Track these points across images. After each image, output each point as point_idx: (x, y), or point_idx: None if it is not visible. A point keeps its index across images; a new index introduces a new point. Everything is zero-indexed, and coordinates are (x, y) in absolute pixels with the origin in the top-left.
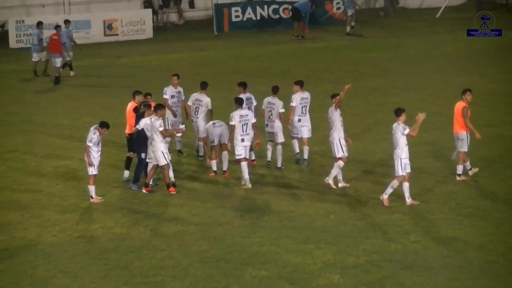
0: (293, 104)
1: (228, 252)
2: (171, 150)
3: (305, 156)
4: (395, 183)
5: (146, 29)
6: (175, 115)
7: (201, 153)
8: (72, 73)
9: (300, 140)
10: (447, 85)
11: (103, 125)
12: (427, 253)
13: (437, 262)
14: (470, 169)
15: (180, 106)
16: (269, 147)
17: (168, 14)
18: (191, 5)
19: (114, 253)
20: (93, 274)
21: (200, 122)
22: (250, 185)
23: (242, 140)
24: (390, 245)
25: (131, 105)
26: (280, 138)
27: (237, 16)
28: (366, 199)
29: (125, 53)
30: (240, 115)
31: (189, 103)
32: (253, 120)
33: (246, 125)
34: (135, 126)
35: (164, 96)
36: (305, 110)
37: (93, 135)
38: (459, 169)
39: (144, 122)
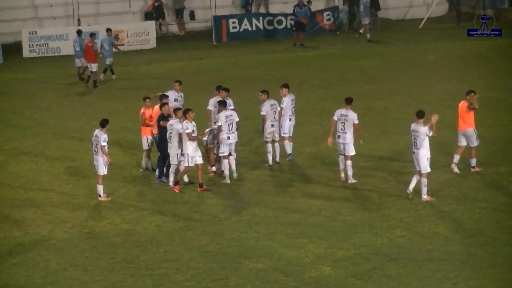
0: (283, 105)
1: (227, 246)
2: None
3: (290, 151)
4: (424, 180)
5: (150, 40)
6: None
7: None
8: (113, 76)
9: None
10: (429, 90)
11: (104, 122)
12: (412, 247)
13: (421, 255)
14: (473, 166)
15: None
16: (270, 150)
17: (167, 26)
18: (192, 17)
19: (121, 247)
20: (102, 267)
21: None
22: (229, 181)
23: (228, 138)
24: (377, 239)
25: (157, 108)
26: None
27: (234, 27)
28: (355, 197)
29: (130, 62)
30: (226, 116)
31: (210, 107)
32: (237, 119)
33: (231, 124)
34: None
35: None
36: (293, 110)
37: (104, 135)
38: (473, 162)
39: (175, 124)
